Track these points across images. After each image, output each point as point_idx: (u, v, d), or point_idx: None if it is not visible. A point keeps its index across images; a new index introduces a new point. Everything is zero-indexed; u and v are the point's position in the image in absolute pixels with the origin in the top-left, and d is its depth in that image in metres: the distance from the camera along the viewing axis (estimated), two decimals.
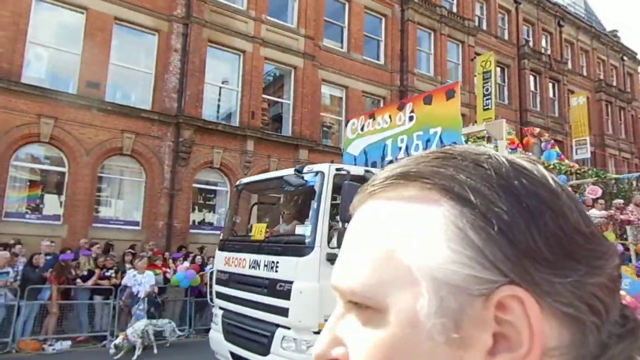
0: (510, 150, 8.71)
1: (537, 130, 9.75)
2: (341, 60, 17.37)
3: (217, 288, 6.17)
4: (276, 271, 5.06)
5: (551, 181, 0.41)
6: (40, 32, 12.04)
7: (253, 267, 5.41)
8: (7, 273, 8.25)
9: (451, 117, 6.47)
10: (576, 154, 20.67)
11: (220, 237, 6.86)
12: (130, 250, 10.75)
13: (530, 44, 25.01)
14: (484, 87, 17.23)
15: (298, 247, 4.95)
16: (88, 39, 12.39)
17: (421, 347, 0.37)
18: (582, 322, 0.38)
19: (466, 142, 8.45)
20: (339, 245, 4.59)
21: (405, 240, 0.39)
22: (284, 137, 15.52)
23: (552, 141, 9.78)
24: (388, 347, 0.38)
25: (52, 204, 11.93)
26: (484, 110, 16.72)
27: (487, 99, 16.99)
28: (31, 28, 11.76)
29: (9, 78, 11.11)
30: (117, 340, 7.75)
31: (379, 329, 0.39)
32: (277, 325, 4.89)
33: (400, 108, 7.33)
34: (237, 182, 7.22)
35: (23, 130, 11.27)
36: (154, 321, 8.36)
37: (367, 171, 5.31)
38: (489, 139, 8.70)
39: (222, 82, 15.11)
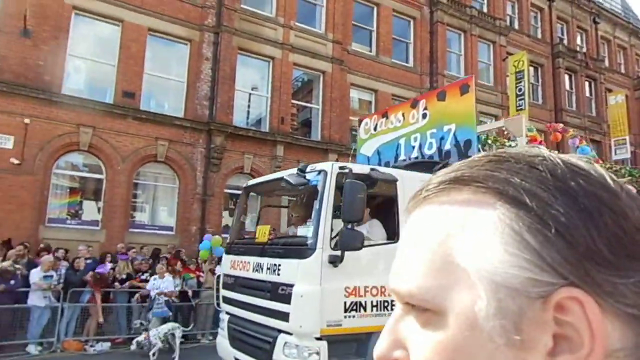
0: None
1: (560, 125, 9.03)
2: (370, 64, 17.34)
3: (223, 292, 6.02)
4: (278, 274, 4.89)
5: (609, 180, 0.40)
6: (78, 45, 12.54)
7: (256, 270, 5.26)
8: (51, 276, 8.59)
9: (465, 113, 6.16)
10: (615, 154, 19.94)
11: (227, 241, 6.71)
12: (165, 255, 11.01)
13: (565, 42, 24.30)
14: (516, 87, 16.86)
15: (299, 249, 4.77)
16: (123, 50, 12.83)
17: (482, 349, 0.37)
18: None
19: (486, 140, 8.19)
20: (341, 248, 4.49)
21: (461, 244, 0.40)
22: (314, 141, 15.60)
23: (579, 137, 9.37)
24: (448, 349, 0.38)
25: (91, 210, 12.36)
26: (517, 110, 16.35)
27: (520, 100, 16.62)
28: (70, 41, 12.27)
29: (50, 90, 11.62)
30: (140, 338, 7.84)
31: (438, 331, 0.39)
32: (280, 331, 4.72)
33: (414, 105, 7.05)
34: (245, 184, 7.04)
35: (64, 140, 11.74)
36: (171, 324, 8.26)
37: (372, 169, 5.04)
38: (507, 137, 8.37)
39: (252, 89, 15.33)
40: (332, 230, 4.75)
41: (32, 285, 8.41)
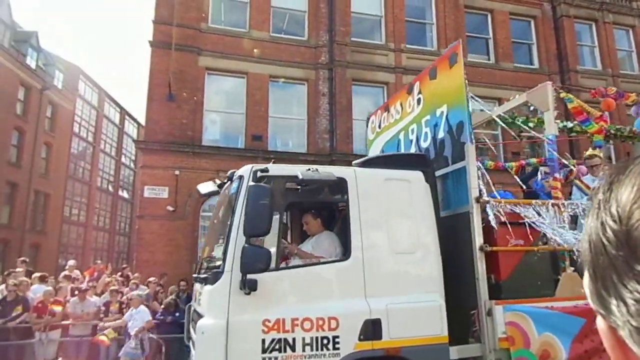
0: (580, 124, 6.42)
1: (613, 89, 6.56)
2: (489, 73, 16.49)
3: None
4: (199, 304, 4.18)
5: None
6: (212, 101, 14.12)
7: (196, 299, 4.53)
8: None
9: (456, 89, 4.91)
10: None
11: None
12: None
13: None
14: None
15: (214, 274, 3.89)
16: (249, 98, 14.08)
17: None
18: None
19: (513, 118, 6.73)
20: (241, 270, 3.57)
21: None
22: None
23: None
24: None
25: None
26: None
27: None
28: (206, 98, 13.86)
29: (193, 143, 13.18)
30: None
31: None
32: None
33: (410, 91, 5.92)
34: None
35: None
36: None
37: (309, 169, 3.97)
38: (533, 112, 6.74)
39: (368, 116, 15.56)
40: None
41: None
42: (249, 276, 3.57)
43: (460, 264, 4.34)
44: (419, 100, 5.67)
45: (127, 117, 42.72)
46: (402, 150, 5.93)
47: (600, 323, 0.45)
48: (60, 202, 29.96)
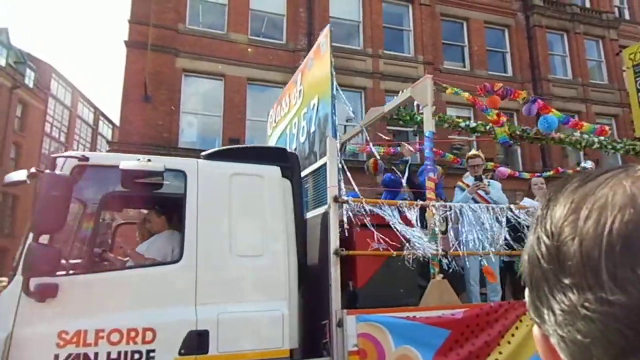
0: (484, 124, 6.33)
1: (500, 85, 6.01)
2: (464, 80, 16.75)
3: None
4: None
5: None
6: (189, 102, 13.97)
7: None
8: None
9: (324, 79, 4.55)
10: None
11: None
12: None
13: None
14: (636, 81, 15.10)
15: (11, 276, 3.34)
16: (227, 101, 13.99)
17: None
18: None
19: (411, 115, 6.23)
20: (22, 272, 3.03)
21: None
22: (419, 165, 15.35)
23: (539, 101, 5.94)
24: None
25: None
26: None
27: None
28: (183, 100, 13.72)
29: (169, 145, 13.00)
30: None
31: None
32: None
33: (296, 82, 5.62)
34: None
35: None
36: None
37: (139, 160, 3.41)
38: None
39: (347, 120, 15.64)
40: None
41: None
42: (48, 280, 3.03)
43: (321, 270, 3.90)
44: (300, 92, 5.34)
45: (101, 117, 41.87)
46: (288, 146, 5.45)
47: (535, 331, 0.49)
48: (30, 204, 29.11)
